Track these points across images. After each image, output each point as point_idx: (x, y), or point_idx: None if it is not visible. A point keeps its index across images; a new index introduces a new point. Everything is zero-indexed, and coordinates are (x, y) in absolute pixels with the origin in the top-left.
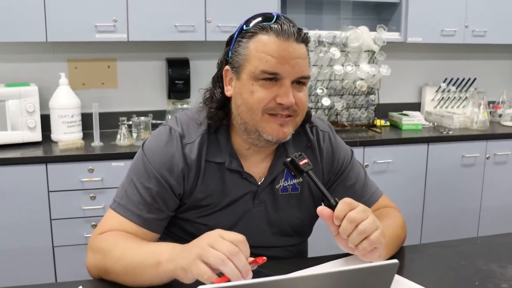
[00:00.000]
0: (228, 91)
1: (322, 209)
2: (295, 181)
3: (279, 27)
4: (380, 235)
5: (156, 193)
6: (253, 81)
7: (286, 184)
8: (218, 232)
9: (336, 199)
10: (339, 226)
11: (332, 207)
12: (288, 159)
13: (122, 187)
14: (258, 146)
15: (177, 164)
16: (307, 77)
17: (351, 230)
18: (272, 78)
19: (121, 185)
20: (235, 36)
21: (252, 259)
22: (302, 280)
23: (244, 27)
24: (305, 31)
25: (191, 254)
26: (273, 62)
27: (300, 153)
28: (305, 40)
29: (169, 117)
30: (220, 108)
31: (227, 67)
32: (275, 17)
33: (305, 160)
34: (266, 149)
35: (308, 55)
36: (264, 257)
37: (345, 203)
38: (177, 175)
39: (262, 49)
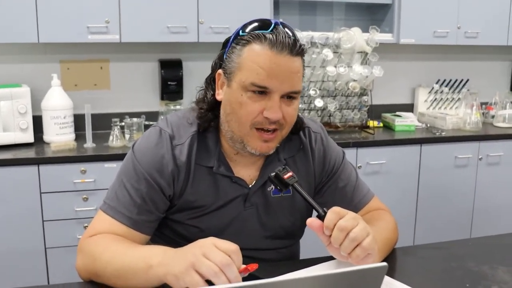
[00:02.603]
0: (219, 95)
1: (311, 221)
2: None
3: (274, 37)
4: (372, 240)
5: (146, 194)
6: (242, 91)
7: None
8: (212, 240)
9: (325, 209)
10: (331, 235)
11: (321, 218)
12: (273, 174)
13: (112, 189)
14: (243, 154)
15: (167, 165)
16: (297, 92)
17: (343, 239)
18: (261, 91)
19: (111, 186)
20: (230, 41)
21: (244, 266)
22: (292, 283)
23: (240, 33)
24: (301, 42)
25: (185, 262)
26: (263, 75)
27: (284, 166)
28: (300, 53)
29: (162, 118)
30: (210, 110)
31: (220, 71)
32: (272, 25)
33: (290, 173)
34: (254, 155)
35: (304, 68)
36: (256, 264)
37: (334, 212)
38: (167, 176)
39: (255, 59)
